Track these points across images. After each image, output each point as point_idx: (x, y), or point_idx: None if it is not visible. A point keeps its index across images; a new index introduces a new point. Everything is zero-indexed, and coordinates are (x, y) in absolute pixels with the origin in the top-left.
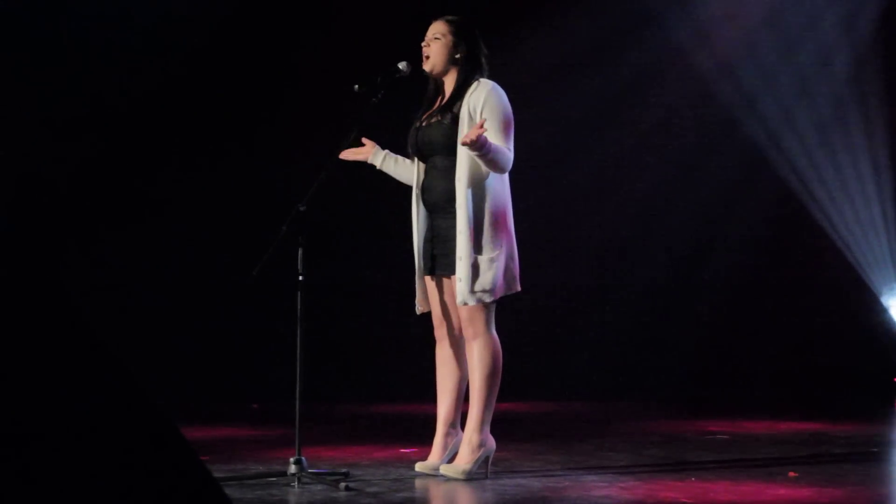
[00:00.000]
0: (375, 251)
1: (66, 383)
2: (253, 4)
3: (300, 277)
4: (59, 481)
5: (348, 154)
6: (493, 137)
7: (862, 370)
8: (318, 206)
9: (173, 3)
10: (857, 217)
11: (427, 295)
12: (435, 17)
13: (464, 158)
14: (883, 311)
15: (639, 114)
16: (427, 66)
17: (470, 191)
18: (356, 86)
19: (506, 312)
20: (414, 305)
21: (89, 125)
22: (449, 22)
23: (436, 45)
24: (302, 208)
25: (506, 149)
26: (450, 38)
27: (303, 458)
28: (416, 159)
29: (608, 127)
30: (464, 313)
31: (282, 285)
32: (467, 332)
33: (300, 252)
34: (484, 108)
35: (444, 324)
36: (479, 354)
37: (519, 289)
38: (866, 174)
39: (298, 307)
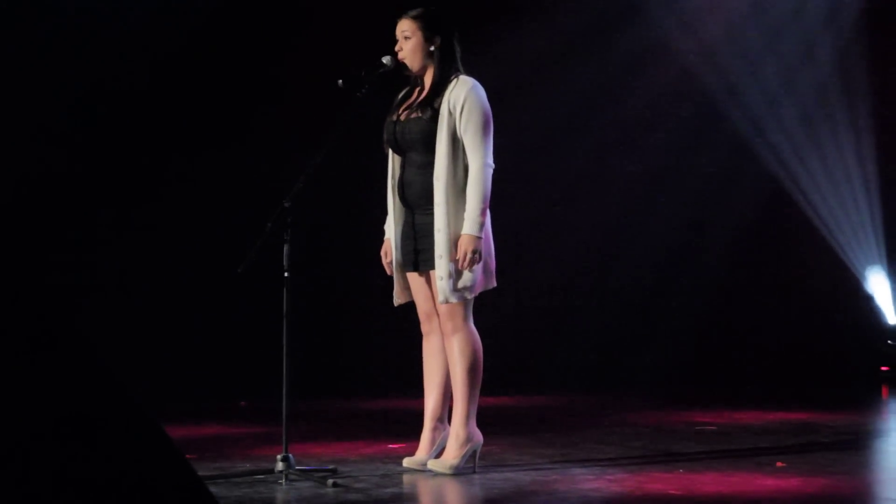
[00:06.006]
0: (360, 246)
1: (48, 382)
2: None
3: (285, 274)
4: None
5: (389, 268)
6: (472, 137)
7: (849, 359)
8: (303, 202)
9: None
10: (843, 205)
11: (404, 287)
12: (398, 17)
13: (442, 155)
14: (868, 299)
15: (624, 107)
16: (407, 64)
17: (448, 188)
18: (340, 81)
19: (493, 306)
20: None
21: (75, 124)
22: (414, 18)
23: (408, 44)
24: (287, 204)
25: (480, 163)
26: (420, 34)
27: (290, 455)
28: (391, 152)
29: (594, 121)
30: (443, 309)
31: (268, 282)
32: (446, 328)
33: (285, 248)
34: (463, 107)
35: (431, 318)
36: (459, 349)
37: (495, 284)
38: (851, 163)
39: (284, 303)
